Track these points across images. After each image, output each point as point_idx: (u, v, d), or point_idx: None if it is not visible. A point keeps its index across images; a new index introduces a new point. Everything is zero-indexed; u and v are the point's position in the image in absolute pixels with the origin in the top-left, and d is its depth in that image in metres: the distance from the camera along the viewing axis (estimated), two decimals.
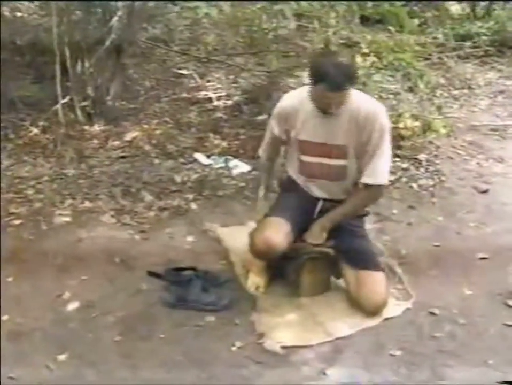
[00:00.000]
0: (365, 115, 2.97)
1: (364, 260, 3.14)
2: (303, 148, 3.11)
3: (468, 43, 7.29)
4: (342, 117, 2.97)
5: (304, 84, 3.22)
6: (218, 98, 5.86)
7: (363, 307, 3.07)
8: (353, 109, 2.95)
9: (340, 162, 3.08)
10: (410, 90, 5.27)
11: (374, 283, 3.10)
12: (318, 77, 2.83)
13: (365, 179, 3.06)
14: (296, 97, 3.11)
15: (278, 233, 3.04)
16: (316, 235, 3.14)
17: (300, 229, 3.15)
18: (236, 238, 3.71)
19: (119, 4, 5.09)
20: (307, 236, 3.15)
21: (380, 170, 3.05)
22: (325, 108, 2.93)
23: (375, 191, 3.14)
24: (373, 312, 3.06)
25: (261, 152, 3.37)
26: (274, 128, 3.17)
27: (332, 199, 3.19)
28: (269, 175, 3.43)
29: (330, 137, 3.03)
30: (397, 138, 4.91)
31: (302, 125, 3.05)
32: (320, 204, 3.21)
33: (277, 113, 3.14)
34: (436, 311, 3.12)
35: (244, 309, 3.11)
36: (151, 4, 5.57)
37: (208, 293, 3.16)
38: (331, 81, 2.79)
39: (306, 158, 3.13)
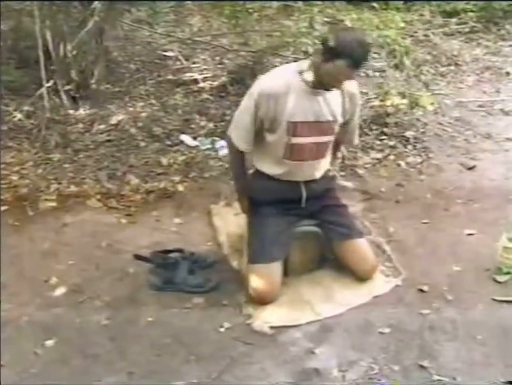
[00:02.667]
0: (349, 88, 3.00)
1: (347, 229, 3.20)
2: (296, 130, 2.96)
3: (454, 20, 7.26)
4: (329, 93, 2.96)
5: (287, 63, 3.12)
6: (204, 79, 5.81)
7: (356, 274, 3.18)
8: None
9: (327, 138, 3.07)
10: (396, 67, 5.25)
11: (361, 250, 3.20)
12: (341, 53, 2.73)
13: (355, 141, 3.34)
14: (282, 77, 2.95)
15: (271, 284, 3.03)
16: None
17: (291, 228, 3.17)
18: (225, 218, 3.71)
19: None
20: None
21: (357, 134, 3.33)
22: (336, 84, 2.88)
23: None
24: (366, 277, 3.18)
25: (241, 142, 3.05)
26: (259, 109, 2.91)
27: (310, 180, 3.15)
28: (245, 168, 3.24)
29: (321, 114, 2.98)
30: (384, 116, 4.90)
31: (294, 105, 2.91)
32: (304, 192, 3.15)
33: (263, 94, 2.89)
34: (425, 288, 3.12)
35: (232, 290, 3.10)
36: None
37: (195, 275, 3.15)
38: (355, 58, 2.74)
39: (298, 140, 2.99)
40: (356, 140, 3.34)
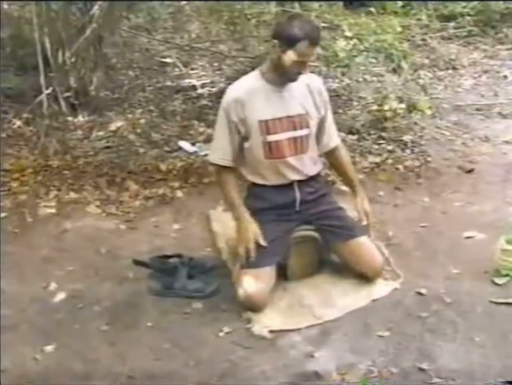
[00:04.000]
0: (316, 84, 3.17)
1: (349, 230, 3.21)
2: (268, 128, 3.05)
3: (452, 24, 7.29)
4: (294, 88, 3.08)
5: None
6: (203, 86, 5.85)
7: (365, 274, 3.19)
8: (299, 80, 3.06)
9: (304, 131, 3.11)
10: (394, 71, 5.28)
11: (367, 248, 3.21)
12: (296, 36, 2.88)
13: (336, 141, 3.34)
14: (245, 83, 3.11)
15: (260, 289, 3.01)
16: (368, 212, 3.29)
17: (288, 235, 3.17)
18: (224, 223, 3.71)
19: None
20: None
21: (336, 131, 3.38)
22: (300, 69, 2.98)
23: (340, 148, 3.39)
24: (375, 275, 3.20)
25: (221, 157, 3.12)
26: (231, 117, 3.03)
27: (303, 180, 3.18)
28: (236, 187, 3.21)
29: (290, 108, 3.08)
30: (382, 120, 4.92)
31: (261, 105, 3.04)
32: (298, 194, 3.17)
33: (230, 101, 3.04)
34: (424, 291, 3.12)
35: (231, 294, 3.09)
36: None
37: (194, 280, 3.16)
38: (313, 35, 2.91)
39: (273, 137, 3.06)
40: (337, 138, 3.37)
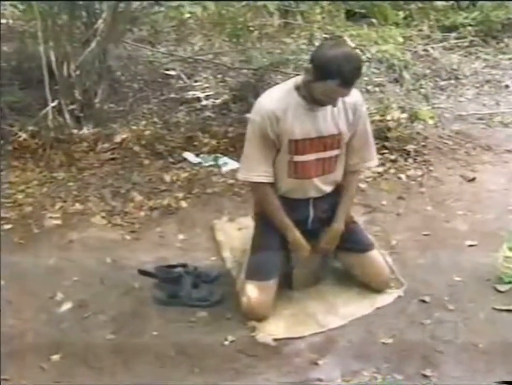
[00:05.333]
0: (352, 100, 2.94)
1: (359, 243, 3.21)
2: (298, 148, 2.92)
3: (453, 34, 7.32)
4: (328, 106, 2.91)
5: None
6: (206, 97, 5.86)
7: (371, 287, 3.19)
8: None
9: (334, 152, 3.02)
10: (396, 81, 5.30)
11: (376, 262, 3.21)
12: (329, 72, 2.69)
13: (370, 163, 3.24)
14: (279, 96, 2.91)
15: (262, 301, 3.02)
16: (333, 241, 3.15)
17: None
18: (228, 233, 3.74)
19: (104, 5, 5.09)
20: (324, 243, 3.15)
21: (375, 152, 3.22)
22: (330, 102, 2.85)
23: (360, 173, 3.31)
24: (381, 289, 3.20)
25: (259, 174, 2.98)
26: (266, 130, 2.89)
27: (319, 197, 3.13)
28: (280, 205, 3.06)
29: (323, 128, 2.93)
30: (385, 130, 4.94)
31: (294, 123, 2.88)
32: (311, 212, 3.15)
33: (265, 115, 2.87)
34: (427, 298, 3.15)
35: (236, 303, 3.11)
36: (136, 4, 5.55)
37: (199, 289, 3.17)
38: (346, 76, 2.69)
39: (301, 158, 2.95)
40: (371, 162, 3.22)
